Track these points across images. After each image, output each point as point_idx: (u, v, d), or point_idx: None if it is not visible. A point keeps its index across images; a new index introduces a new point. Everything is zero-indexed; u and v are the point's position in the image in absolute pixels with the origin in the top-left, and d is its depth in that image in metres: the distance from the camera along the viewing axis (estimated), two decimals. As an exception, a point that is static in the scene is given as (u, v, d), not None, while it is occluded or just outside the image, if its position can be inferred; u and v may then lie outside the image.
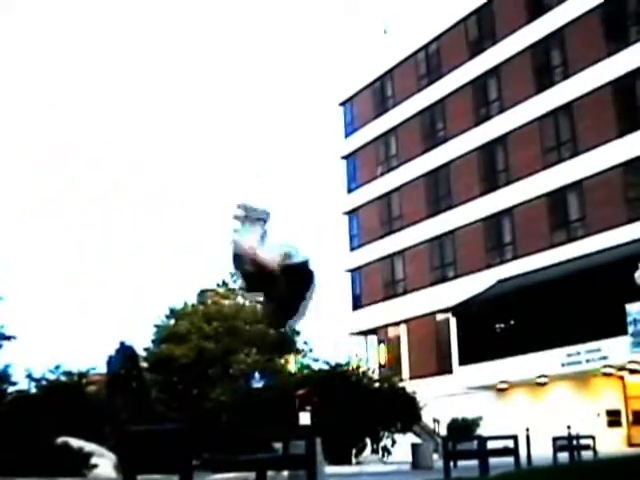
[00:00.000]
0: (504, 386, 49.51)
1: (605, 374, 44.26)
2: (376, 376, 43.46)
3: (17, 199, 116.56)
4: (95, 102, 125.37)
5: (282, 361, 51.62)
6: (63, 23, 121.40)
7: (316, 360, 50.08)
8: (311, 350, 53.66)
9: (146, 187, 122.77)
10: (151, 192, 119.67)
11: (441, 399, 50.36)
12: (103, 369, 40.97)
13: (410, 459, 35.57)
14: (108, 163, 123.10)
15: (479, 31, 57.42)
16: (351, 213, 68.72)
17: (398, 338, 62.12)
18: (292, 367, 49.72)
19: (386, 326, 63.41)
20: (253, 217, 6.50)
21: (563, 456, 26.33)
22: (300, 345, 55.33)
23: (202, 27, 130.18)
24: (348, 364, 42.57)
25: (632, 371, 43.59)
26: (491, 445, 19.24)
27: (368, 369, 43.48)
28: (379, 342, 64.48)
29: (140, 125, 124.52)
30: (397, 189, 63.24)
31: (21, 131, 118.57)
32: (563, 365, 44.96)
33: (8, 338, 33.07)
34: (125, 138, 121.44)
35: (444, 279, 58.06)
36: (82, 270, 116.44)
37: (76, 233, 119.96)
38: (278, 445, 17.05)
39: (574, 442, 28.46)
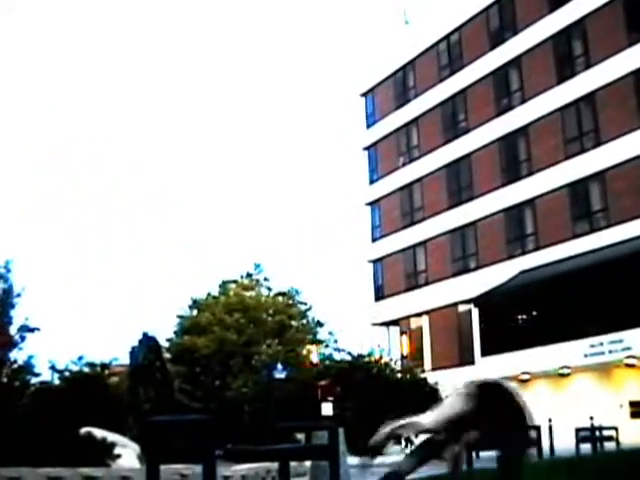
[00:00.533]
0: (526, 377, 49.41)
1: (628, 365, 44.11)
2: (398, 367, 43.45)
3: (17, 199, 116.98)
4: (95, 102, 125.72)
5: (304, 352, 51.68)
6: (63, 23, 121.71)
7: (338, 351, 50.10)
8: (336, 341, 53.76)
9: (146, 187, 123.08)
10: (151, 192, 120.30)
11: (463, 390, 50.30)
12: (126, 360, 41.13)
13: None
14: (108, 163, 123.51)
15: (500, 21, 57.24)
16: (373, 204, 68.68)
17: (420, 329, 62.11)
18: (314, 358, 49.73)
19: (408, 317, 63.41)
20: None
21: (586, 447, 26.27)
22: (325, 336, 55.39)
23: (208, 22, 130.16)
24: (370, 355, 42.58)
25: (655, 362, 43.49)
26: (513, 436, 19.17)
27: (390, 360, 43.46)
28: (401, 333, 64.47)
29: (140, 125, 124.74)
30: (418, 180, 63.17)
31: (21, 131, 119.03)
32: (586, 356, 44.89)
33: (32, 330, 33.27)
34: (125, 138, 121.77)
35: (466, 270, 57.99)
36: (102, 262, 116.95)
37: (76, 233, 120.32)
38: (300, 436, 17.09)
39: (597, 433, 28.38)
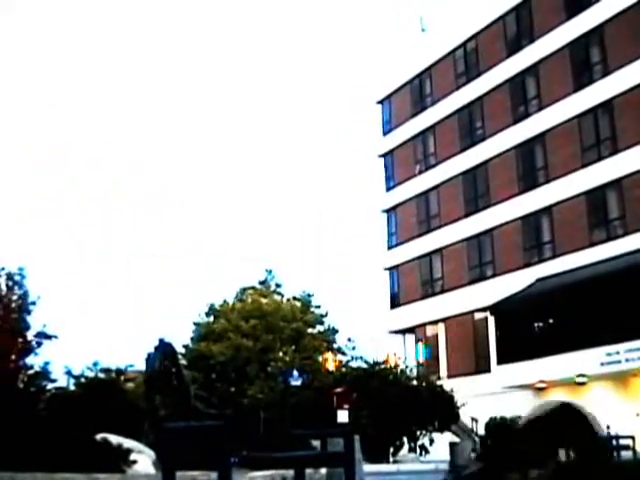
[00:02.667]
0: (543, 385, 49.27)
1: (645, 374, 43.98)
2: (414, 375, 43.42)
3: (17, 199, 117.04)
4: (95, 102, 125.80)
5: (320, 359, 51.70)
6: (63, 23, 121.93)
7: (355, 358, 50.13)
8: (354, 348, 53.71)
9: (146, 187, 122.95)
10: (151, 192, 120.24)
11: (479, 398, 50.19)
12: (142, 366, 41.18)
13: (448, 458, 35.49)
14: (108, 163, 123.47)
15: (517, 29, 57.15)
16: (389, 211, 68.64)
17: (436, 337, 62.00)
18: (330, 365, 49.73)
19: (424, 325, 63.30)
20: None
21: (602, 456, 26.11)
22: (343, 342, 55.33)
23: (216, 24, 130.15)
24: (386, 362, 42.59)
25: (672, 371, 43.27)
26: (530, 444, 19.11)
27: (406, 367, 43.45)
28: (417, 341, 64.37)
29: (140, 125, 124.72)
30: (435, 187, 63.11)
31: (21, 131, 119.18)
32: (602, 364, 44.70)
33: (49, 337, 33.32)
34: (125, 138, 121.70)
35: (482, 278, 57.86)
36: (116, 266, 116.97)
37: (79, 235, 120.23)
38: (316, 443, 17.07)
39: (613, 442, 28.24)
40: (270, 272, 56.89)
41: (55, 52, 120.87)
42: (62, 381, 37.78)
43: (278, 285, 56.56)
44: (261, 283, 56.91)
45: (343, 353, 53.77)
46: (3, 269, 32.68)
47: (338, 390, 38.85)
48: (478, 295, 55.98)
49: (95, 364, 39.94)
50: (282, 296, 56.10)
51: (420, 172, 65.12)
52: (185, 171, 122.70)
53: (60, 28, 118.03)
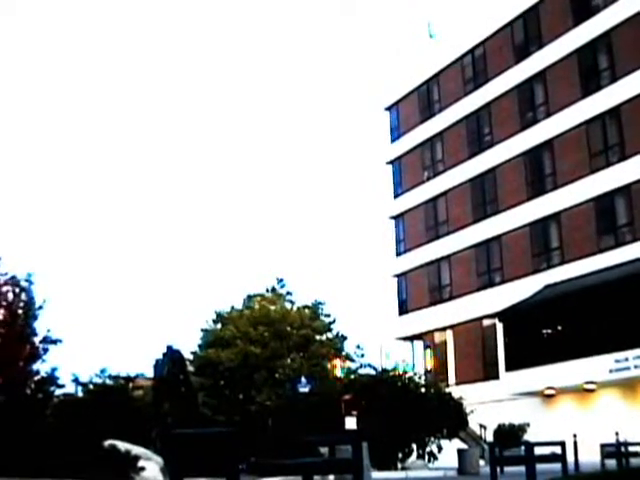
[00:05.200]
0: (551, 392, 49.20)
1: (654, 380, 43.87)
2: (422, 381, 43.33)
3: (21, 203, 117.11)
4: (96, 103, 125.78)
5: (329, 366, 51.62)
6: (64, 24, 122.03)
7: (364, 366, 50.03)
8: (363, 355, 53.56)
9: (154, 192, 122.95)
10: (159, 197, 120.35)
11: (487, 405, 50.14)
12: (150, 373, 41.23)
13: (456, 465, 35.42)
14: (114, 166, 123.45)
15: (525, 35, 57.12)
16: (397, 218, 68.60)
17: (444, 343, 61.93)
18: (338, 372, 49.67)
19: (432, 331, 63.23)
20: None
21: (611, 463, 26.10)
22: (352, 349, 55.22)
23: (222, 29, 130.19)
24: (394, 369, 42.50)
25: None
26: (538, 451, 19.08)
27: (414, 374, 43.34)
28: (425, 347, 64.30)
29: (148, 128, 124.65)
30: (443, 194, 63.06)
31: (21, 131, 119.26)
32: (611, 371, 44.62)
33: (54, 342, 33.32)
34: (130, 140, 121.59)
35: (490, 284, 57.80)
36: (125, 273, 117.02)
37: (83, 237, 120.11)
38: (324, 449, 17.05)
39: (622, 449, 28.20)
40: (281, 280, 56.78)
41: (56, 53, 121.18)
42: (70, 387, 37.84)
43: (289, 293, 56.44)
44: (272, 290, 56.78)
45: (352, 360, 53.63)
46: (6, 274, 32.63)
47: (346, 397, 38.79)
48: (486, 302, 55.96)
49: (103, 371, 39.98)
50: (293, 304, 56.02)
51: (428, 178, 65.09)
52: (193, 177, 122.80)
53: (61, 29, 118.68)
